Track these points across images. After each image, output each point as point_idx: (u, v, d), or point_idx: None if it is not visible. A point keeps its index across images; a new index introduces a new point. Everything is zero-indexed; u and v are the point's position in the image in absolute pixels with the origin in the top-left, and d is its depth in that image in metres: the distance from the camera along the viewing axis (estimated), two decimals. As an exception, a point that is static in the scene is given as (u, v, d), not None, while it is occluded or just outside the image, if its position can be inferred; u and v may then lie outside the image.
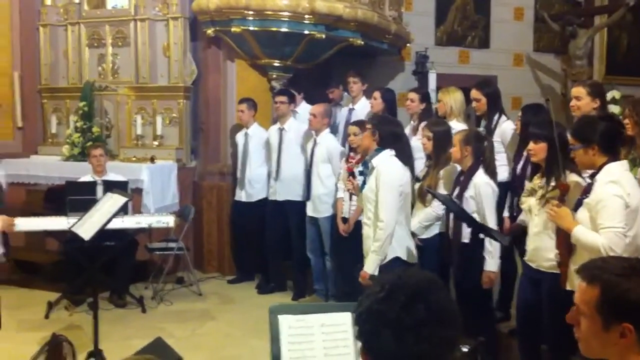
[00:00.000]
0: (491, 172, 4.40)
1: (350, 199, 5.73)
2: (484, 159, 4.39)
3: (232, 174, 7.42)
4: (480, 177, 4.32)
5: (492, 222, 4.29)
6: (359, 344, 1.47)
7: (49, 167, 7.51)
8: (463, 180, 4.39)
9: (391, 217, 4.11)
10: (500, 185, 4.54)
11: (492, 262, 4.25)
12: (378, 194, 4.10)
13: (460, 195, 4.35)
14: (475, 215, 4.27)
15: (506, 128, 5.14)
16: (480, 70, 8.75)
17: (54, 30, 8.20)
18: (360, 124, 5.52)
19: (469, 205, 4.31)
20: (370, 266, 4.11)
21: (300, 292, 6.61)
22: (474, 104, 5.34)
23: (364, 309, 1.45)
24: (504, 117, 5.23)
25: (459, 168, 4.56)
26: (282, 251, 6.74)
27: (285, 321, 2.14)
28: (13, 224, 3.99)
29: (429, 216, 4.75)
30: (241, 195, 7.03)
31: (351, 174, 5.57)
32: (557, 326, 3.78)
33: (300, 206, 6.45)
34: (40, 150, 8.15)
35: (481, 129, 5.24)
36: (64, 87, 8.21)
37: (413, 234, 4.68)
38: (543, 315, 3.85)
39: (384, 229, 4.09)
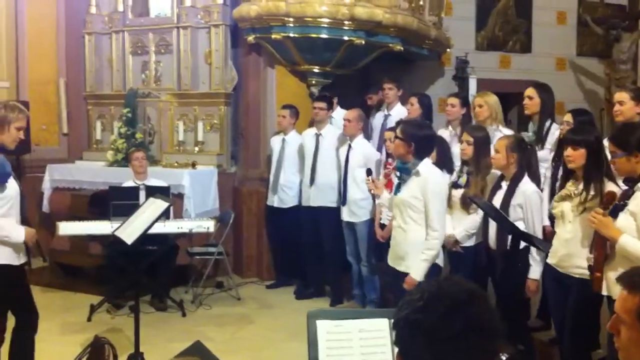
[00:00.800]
0: (536, 180, 4.33)
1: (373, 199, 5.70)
2: (529, 166, 4.33)
3: (265, 178, 7.47)
4: (529, 185, 4.26)
5: (539, 231, 4.24)
6: (397, 349, 1.47)
7: (94, 172, 7.66)
8: (509, 187, 4.31)
9: (443, 226, 4.11)
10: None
11: (537, 269, 4.20)
12: (426, 202, 4.03)
13: (507, 203, 4.26)
14: (521, 223, 4.22)
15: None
16: (521, 75, 8.63)
17: (98, 38, 8.38)
18: (395, 129, 5.49)
19: (516, 213, 4.24)
20: (420, 274, 4.04)
21: (338, 297, 6.60)
22: (525, 101, 5.23)
23: (402, 316, 1.43)
24: (555, 125, 5.14)
25: (497, 174, 4.50)
26: (320, 257, 6.74)
27: (323, 326, 2.15)
28: (35, 237, 4.01)
29: (475, 223, 4.67)
30: (273, 201, 7.06)
31: (369, 171, 5.51)
32: (582, 328, 3.75)
33: (333, 212, 6.44)
34: (85, 155, 8.32)
35: (529, 133, 5.17)
36: (108, 94, 8.39)
37: (456, 242, 4.65)
38: (567, 315, 3.84)
39: (438, 239, 4.06)
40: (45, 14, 8.63)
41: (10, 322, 4.01)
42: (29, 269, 4.15)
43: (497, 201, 4.34)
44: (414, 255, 4.10)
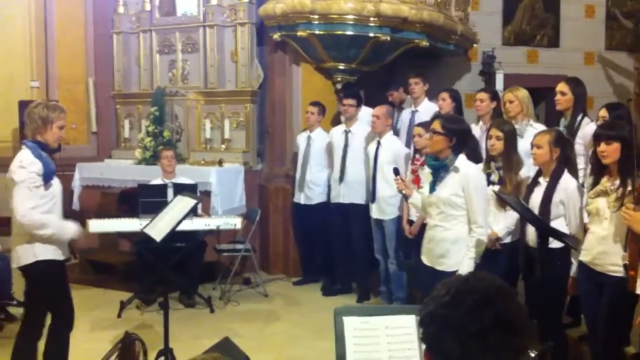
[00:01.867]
0: (575, 175, 4.25)
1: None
2: (567, 161, 4.24)
3: (291, 175, 7.49)
4: (571, 182, 4.17)
5: (580, 228, 4.17)
6: (424, 345, 1.46)
7: (122, 170, 7.75)
8: (549, 183, 4.21)
9: (487, 221, 4.06)
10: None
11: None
12: (468, 199, 3.96)
13: (548, 200, 4.17)
14: (561, 220, 4.15)
15: (590, 131, 4.97)
16: (549, 70, 8.54)
17: (126, 38, 8.47)
18: (425, 125, 5.45)
19: (558, 210, 4.16)
20: (467, 271, 3.95)
21: (365, 294, 6.60)
22: (557, 97, 5.17)
23: (428, 312, 1.42)
24: (587, 120, 5.07)
25: (529, 170, 4.43)
26: (348, 254, 6.75)
27: (350, 323, 2.15)
28: (84, 232, 4.12)
29: (514, 220, 4.59)
30: (300, 198, 7.09)
31: (397, 170, 5.47)
32: (615, 327, 3.69)
33: (363, 209, 6.44)
34: (114, 154, 8.42)
35: (561, 128, 5.11)
36: (136, 92, 8.48)
37: (498, 239, 4.58)
38: (600, 314, 3.79)
39: (484, 235, 4.01)
40: (74, 15, 8.74)
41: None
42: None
43: (536, 198, 4.24)
44: (457, 253, 4.04)
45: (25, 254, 3.90)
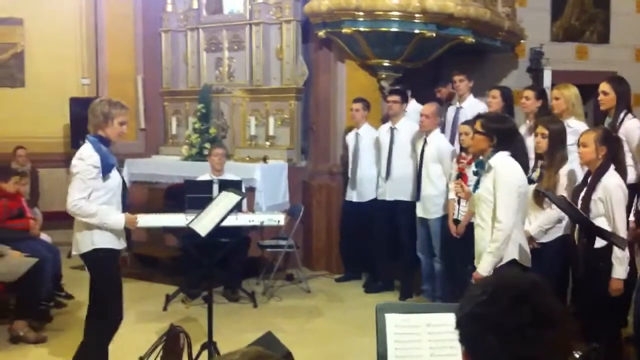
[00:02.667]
0: (623, 173, 4.15)
1: (459, 202, 5.63)
2: (615, 159, 4.15)
3: (342, 174, 7.50)
4: (613, 179, 4.08)
5: (622, 227, 4.05)
6: (463, 347, 1.45)
7: (169, 166, 7.89)
8: (591, 180, 4.14)
9: (510, 219, 3.90)
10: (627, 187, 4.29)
11: (620, 269, 4.02)
12: (496, 195, 3.90)
13: (588, 198, 4.10)
14: (602, 219, 4.07)
15: (631, 127, 4.86)
16: (599, 66, 8.35)
17: (174, 36, 8.61)
18: (471, 123, 5.40)
19: (597, 208, 4.08)
20: (485, 267, 3.90)
21: (407, 292, 6.58)
22: (600, 97, 5.08)
23: (465, 312, 1.41)
24: (630, 115, 4.96)
25: (575, 168, 4.35)
26: (391, 251, 6.73)
27: (392, 320, 2.15)
28: (136, 222, 4.23)
29: (550, 219, 4.56)
30: (352, 196, 7.09)
31: (459, 175, 5.45)
32: None
33: (409, 206, 6.42)
34: (161, 150, 8.58)
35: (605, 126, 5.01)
36: (183, 90, 8.61)
37: (531, 238, 4.52)
38: None
39: (502, 230, 3.87)
40: (123, 13, 8.93)
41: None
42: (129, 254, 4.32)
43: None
44: None
45: (84, 242, 4.05)
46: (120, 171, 4.23)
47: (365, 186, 6.97)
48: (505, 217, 3.87)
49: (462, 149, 5.76)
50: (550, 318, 1.36)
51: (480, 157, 4.06)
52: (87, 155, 3.95)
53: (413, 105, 6.80)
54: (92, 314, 4.15)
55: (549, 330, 1.35)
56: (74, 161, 4.00)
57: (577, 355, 2.38)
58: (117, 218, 4.07)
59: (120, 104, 4.14)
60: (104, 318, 4.12)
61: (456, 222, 5.74)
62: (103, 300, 4.12)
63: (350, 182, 7.08)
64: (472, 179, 4.89)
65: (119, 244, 4.14)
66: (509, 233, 3.90)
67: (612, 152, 4.14)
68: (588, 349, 2.56)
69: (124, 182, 4.22)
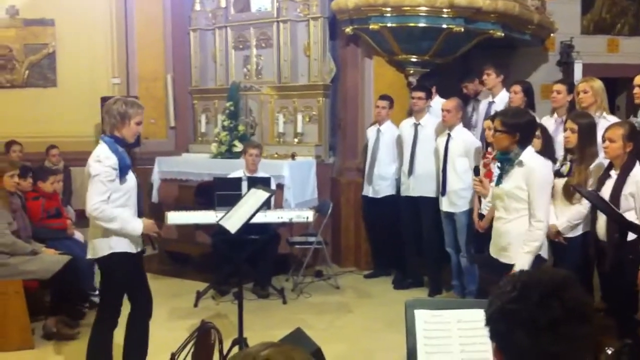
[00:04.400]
0: None
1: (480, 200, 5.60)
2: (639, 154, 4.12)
3: (362, 169, 7.49)
4: None
5: None
6: (493, 343, 1.45)
7: (199, 164, 7.94)
8: (619, 176, 4.12)
9: (547, 217, 3.94)
10: None
11: None
12: (531, 192, 3.87)
13: (618, 192, 4.08)
14: (632, 213, 4.03)
15: None
16: (630, 59, 8.20)
17: (203, 34, 8.67)
18: (493, 120, 5.36)
19: (628, 203, 4.06)
20: (524, 266, 3.81)
21: (436, 288, 6.56)
22: (635, 90, 5.00)
23: (496, 309, 1.41)
24: None
25: (605, 163, 4.31)
26: (419, 247, 6.71)
27: (421, 316, 2.15)
28: (153, 228, 4.18)
29: (579, 214, 4.52)
30: (368, 191, 7.09)
31: (477, 170, 5.40)
32: None
33: (433, 202, 6.40)
34: (191, 148, 8.64)
35: (638, 119, 4.94)
36: (212, 88, 8.67)
37: (558, 233, 4.50)
38: None
39: (542, 229, 3.88)
40: (153, 13, 9.02)
41: (126, 308, 4.23)
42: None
43: (606, 191, 4.16)
44: (518, 246, 3.97)
45: (101, 246, 3.99)
46: (134, 172, 4.15)
47: (381, 183, 6.97)
48: (544, 216, 3.87)
49: (487, 144, 5.72)
50: (581, 313, 1.35)
51: (501, 153, 4.03)
52: (104, 157, 3.87)
53: (437, 101, 6.75)
54: (99, 320, 4.17)
55: (579, 326, 1.34)
56: (92, 163, 3.91)
57: (610, 352, 2.36)
58: (136, 225, 4.02)
59: (137, 104, 4.06)
60: (105, 319, 4.13)
61: (481, 216, 5.71)
62: (107, 301, 4.14)
63: (367, 177, 7.08)
64: (496, 173, 4.85)
65: (135, 248, 4.09)
66: (546, 231, 3.93)
67: (638, 147, 4.13)
68: (620, 344, 2.53)
69: (138, 184, 4.17)
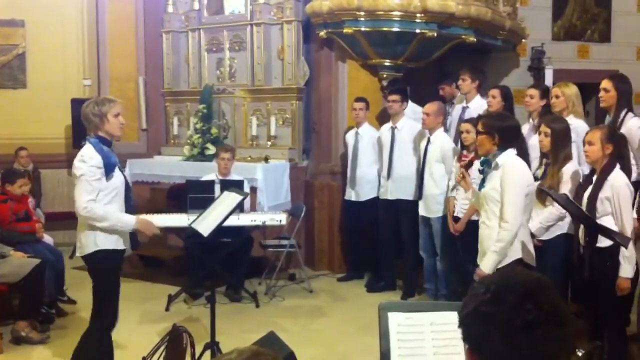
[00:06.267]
0: (627, 172, 4.16)
1: (455, 195, 5.63)
2: (620, 157, 4.16)
3: (342, 173, 7.50)
4: (619, 178, 4.07)
5: (629, 225, 4.05)
6: (466, 346, 1.45)
7: (171, 166, 7.89)
8: (597, 179, 4.13)
9: (517, 218, 3.88)
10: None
11: (628, 267, 4.02)
12: (502, 193, 3.88)
13: (595, 196, 4.10)
14: (609, 218, 4.06)
15: (633, 126, 4.86)
16: (600, 65, 8.35)
17: (175, 37, 8.62)
18: (472, 121, 5.41)
19: (604, 207, 4.08)
20: (489, 265, 3.87)
21: (409, 291, 6.58)
22: (601, 94, 5.07)
23: (470, 310, 1.40)
24: (630, 114, 4.95)
25: (578, 167, 4.35)
26: (394, 250, 6.73)
27: (395, 318, 2.15)
28: (151, 225, 4.24)
29: (551, 216, 4.58)
30: (351, 195, 7.10)
31: (470, 164, 5.42)
32: None
33: (412, 205, 6.43)
34: (163, 150, 8.58)
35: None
36: (185, 90, 8.62)
37: (532, 235, 4.53)
38: None
39: (508, 230, 3.85)
40: (125, 14, 8.94)
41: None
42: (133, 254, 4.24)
43: (587, 195, 4.19)
44: None
45: (87, 243, 4.02)
46: (122, 170, 4.18)
47: (364, 186, 6.98)
48: (513, 217, 3.85)
49: (462, 147, 5.76)
50: (555, 316, 1.36)
51: (487, 156, 4.05)
52: (88, 157, 3.91)
53: (410, 106, 6.77)
54: (95, 318, 4.13)
55: (554, 329, 1.35)
56: (77, 163, 3.95)
57: (580, 354, 2.38)
58: (127, 220, 4.05)
59: (108, 99, 4.08)
60: (101, 317, 4.09)
61: (455, 219, 5.75)
62: (100, 299, 4.11)
63: (350, 181, 7.09)
64: (476, 177, 4.87)
65: (122, 245, 4.11)
66: (515, 233, 3.89)
67: (617, 150, 4.14)
68: (591, 347, 2.56)
69: (126, 181, 4.19)
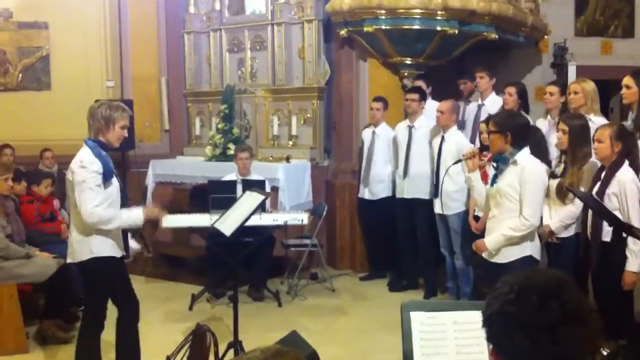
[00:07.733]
0: (636, 168, 4.16)
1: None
2: (629, 154, 4.16)
3: (358, 170, 7.49)
4: (626, 174, 4.10)
5: (636, 221, 4.04)
6: (490, 346, 1.44)
7: (193, 167, 7.94)
8: (605, 176, 4.16)
9: (536, 217, 3.98)
10: None
11: (635, 262, 4.02)
12: (522, 191, 3.93)
13: (602, 192, 4.12)
14: (617, 213, 4.05)
15: None
16: (624, 61, 8.23)
17: (197, 37, 8.66)
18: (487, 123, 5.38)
19: (612, 203, 4.09)
20: (493, 244, 3.99)
21: (432, 290, 6.56)
22: (623, 90, 5.01)
23: (494, 311, 1.41)
24: None
25: (598, 164, 4.33)
26: (414, 249, 6.72)
27: (417, 318, 2.15)
28: (156, 213, 4.17)
29: (571, 214, 4.55)
30: (364, 193, 7.10)
31: (482, 148, 5.41)
32: None
33: (427, 204, 6.41)
34: (185, 151, 8.64)
35: (629, 122, 4.95)
36: (206, 91, 8.67)
37: (551, 232, 4.52)
38: None
39: (527, 227, 3.93)
40: (147, 15, 9.00)
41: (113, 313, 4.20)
42: (132, 260, 4.27)
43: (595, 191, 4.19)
44: (508, 246, 4.01)
45: (81, 249, 3.94)
46: (118, 177, 4.07)
47: (377, 184, 6.98)
48: (532, 216, 3.93)
49: (482, 147, 5.72)
50: (579, 315, 1.36)
51: (501, 154, 4.06)
52: (88, 162, 3.81)
53: (431, 104, 6.75)
54: (85, 325, 4.15)
55: (578, 328, 1.34)
56: (75, 169, 3.84)
57: (605, 353, 2.36)
58: (134, 215, 4.00)
59: (121, 108, 3.98)
60: (91, 323, 4.10)
61: (477, 218, 5.72)
62: (91, 306, 4.11)
63: (363, 179, 7.09)
64: (491, 173, 4.87)
65: (118, 251, 4.03)
66: (532, 232, 3.98)
67: (626, 148, 4.16)
68: (616, 346, 2.54)
69: (122, 187, 4.12)
